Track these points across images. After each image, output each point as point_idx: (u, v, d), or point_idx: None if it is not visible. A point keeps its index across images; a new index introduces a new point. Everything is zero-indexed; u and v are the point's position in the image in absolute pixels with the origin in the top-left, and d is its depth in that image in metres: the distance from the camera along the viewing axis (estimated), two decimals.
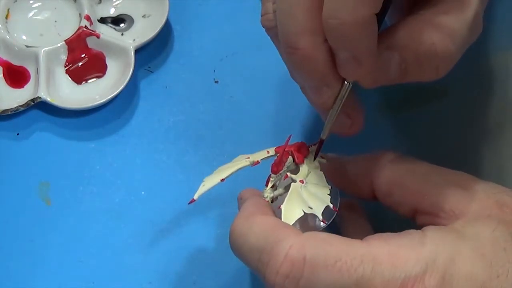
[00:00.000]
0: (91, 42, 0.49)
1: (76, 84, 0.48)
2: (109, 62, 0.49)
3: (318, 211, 0.36)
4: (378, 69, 0.33)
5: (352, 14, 0.30)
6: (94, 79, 0.49)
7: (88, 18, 0.49)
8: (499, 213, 0.32)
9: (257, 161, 0.39)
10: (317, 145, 0.38)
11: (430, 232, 0.32)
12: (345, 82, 0.34)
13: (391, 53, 0.33)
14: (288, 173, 0.38)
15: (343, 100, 0.34)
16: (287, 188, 0.38)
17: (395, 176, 0.35)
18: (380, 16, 0.32)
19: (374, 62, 0.33)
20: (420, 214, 0.35)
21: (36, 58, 0.48)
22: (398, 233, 0.33)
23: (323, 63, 0.33)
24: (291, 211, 0.36)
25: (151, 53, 0.50)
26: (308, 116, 0.47)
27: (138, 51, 0.48)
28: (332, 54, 0.33)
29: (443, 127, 0.46)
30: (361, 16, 0.30)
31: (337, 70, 0.33)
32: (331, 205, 0.36)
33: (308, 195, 0.37)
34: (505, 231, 0.31)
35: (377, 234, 0.33)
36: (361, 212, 0.40)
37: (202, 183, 0.38)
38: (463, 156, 0.44)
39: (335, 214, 0.37)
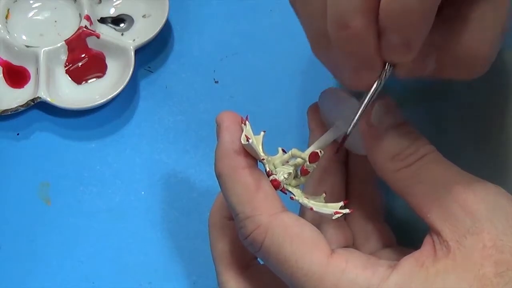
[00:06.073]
0: (91, 42, 0.49)
1: (76, 84, 0.48)
2: (109, 62, 0.49)
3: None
4: (416, 61, 0.33)
5: (421, 1, 0.29)
6: (94, 79, 0.49)
7: (88, 18, 0.49)
8: (486, 275, 0.31)
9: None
10: (340, 141, 0.36)
11: (395, 277, 0.31)
12: (387, 66, 0.33)
13: (430, 50, 0.33)
14: (290, 189, 0.36)
15: (382, 85, 0.33)
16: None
17: (402, 186, 0.35)
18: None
19: (420, 49, 0.32)
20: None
21: (36, 58, 0.48)
22: (367, 256, 0.33)
23: (371, 45, 0.31)
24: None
25: (151, 53, 0.50)
26: None
27: (138, 51, 0.48)
28: (378, 37, 0.32)
29: (443, 127, 0.46)
30: (429, 4, 0.29)
31: (381, 52, 0.32)
32: (342, 211, 0.35)
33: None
34: None
35: (343, 250, 0.33)
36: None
37: (251, 137, 0.35)
38: (463, 156, 0.44)
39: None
